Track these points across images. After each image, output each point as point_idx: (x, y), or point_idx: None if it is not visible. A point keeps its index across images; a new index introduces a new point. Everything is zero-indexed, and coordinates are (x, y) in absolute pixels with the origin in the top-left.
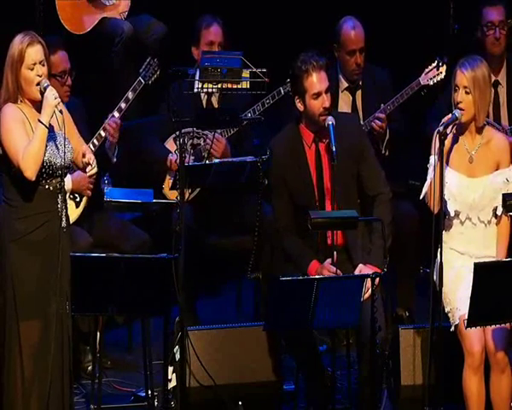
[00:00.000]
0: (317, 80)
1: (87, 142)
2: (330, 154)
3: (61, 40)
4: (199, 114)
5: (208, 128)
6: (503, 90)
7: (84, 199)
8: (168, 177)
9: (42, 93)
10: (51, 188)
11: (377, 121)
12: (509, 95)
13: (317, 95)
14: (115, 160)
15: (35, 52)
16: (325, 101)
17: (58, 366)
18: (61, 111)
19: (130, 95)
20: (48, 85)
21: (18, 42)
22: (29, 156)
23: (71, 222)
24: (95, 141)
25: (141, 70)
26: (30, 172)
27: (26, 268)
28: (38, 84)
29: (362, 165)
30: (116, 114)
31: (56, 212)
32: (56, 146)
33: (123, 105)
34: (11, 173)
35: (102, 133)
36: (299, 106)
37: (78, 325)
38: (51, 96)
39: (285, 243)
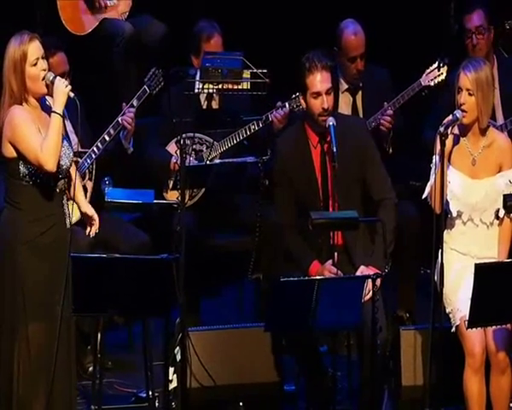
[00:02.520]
0: (317, 80)
1: (87, 142)
2: (331, 155)
3: (59, 41)
4: (199, 114)
5: (209, 129)
6: (496, 91)
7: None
8: (171, 184)
9: (47, 86)
10: (58, 190)
11: (387, 117)
12: (502, 95)
13: (317, 94)
14: (131, 149)
15: (36, 47)
16: (324, 102)
17: (66, 368)
18: (74, 98)
19: (134, 102)
20: (55, 76)
21: (17, 43)
22: (48, 148)
23: (73, 222)
24: (99, 144)
25: (146, 79)
26: (51, 164)
27: (36, 270)
28: (43, 78)
29: (367, 169)
30: (133, 108)
31: (63, 213)
32: (63, 147)
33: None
34: (19, 177)
35: (112, 131)
36: (303, 103)
37: (79, 326)
38: (62, 84)
39: (287, 242)
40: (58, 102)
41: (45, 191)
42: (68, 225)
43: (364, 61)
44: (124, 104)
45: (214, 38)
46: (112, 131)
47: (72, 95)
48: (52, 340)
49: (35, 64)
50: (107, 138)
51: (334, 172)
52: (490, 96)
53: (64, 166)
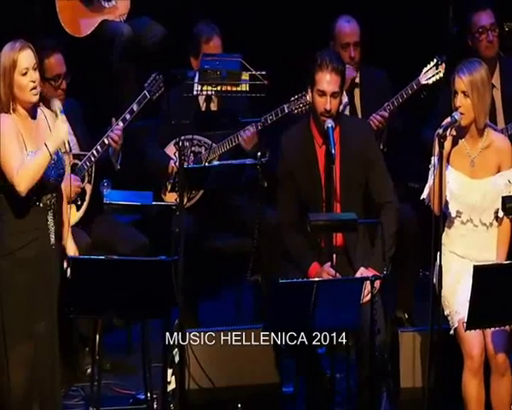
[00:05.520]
0: (326, 79)
1: (85, 143)
2: (329, 156)
3: (56, 43)
4: (198, 116)
5: (207, 131)
6: (497, 93)
7: (86, 203)
8: (169, 185)
9: (42, 98)
10: (41, 205)
11: (378, 117)
12: (504, 97)
13: (322, 93)
14: (119, 167)
15: (27, 57)
16: (328, 103)
17: (49, 382)
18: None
19: (134, 107)
20: (62, 111)
21: (8, 50)
22: (25, 174)
23: (71, 225)
24: (98, 147)
25: (146, 84)
26: (23, 187)
27: (16, 284)
28: (34, 88)
29: (370, 172)
30: (121, 124)
31: (46, 229)
32: (52, 164)
33: (127, 116)
34: (2, 187)
35: (106, 141)
36: (309, 97)
37: (78, 328)
38: (63, 129)
39: (287, 241)
40: (53, 143)
41: (28, 205)
42: (53, 241)
43: (359, 53)
44: (113, 119)
45: (213, 40)
46: (113, 136)
47: (67, 147)
48: (34, 357)
49: (24, 74)
50: (106, 142)
51: (335, 173)
52: (486, 96)
53: (51, 180)
